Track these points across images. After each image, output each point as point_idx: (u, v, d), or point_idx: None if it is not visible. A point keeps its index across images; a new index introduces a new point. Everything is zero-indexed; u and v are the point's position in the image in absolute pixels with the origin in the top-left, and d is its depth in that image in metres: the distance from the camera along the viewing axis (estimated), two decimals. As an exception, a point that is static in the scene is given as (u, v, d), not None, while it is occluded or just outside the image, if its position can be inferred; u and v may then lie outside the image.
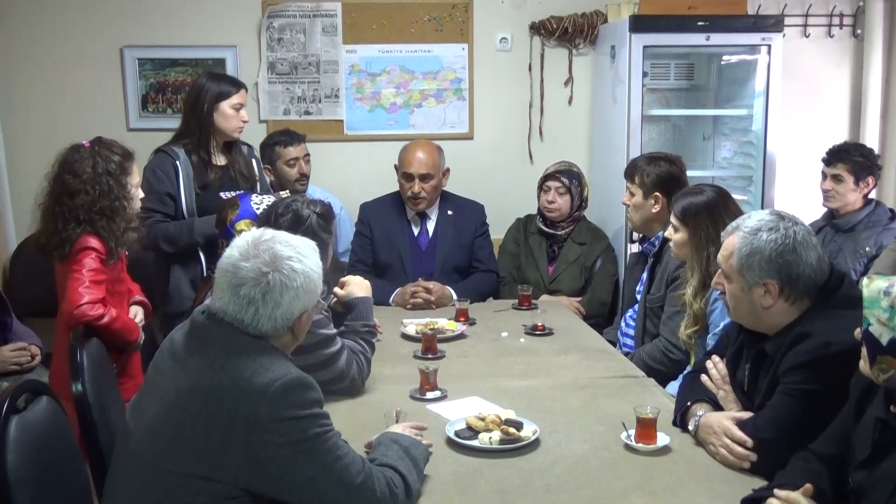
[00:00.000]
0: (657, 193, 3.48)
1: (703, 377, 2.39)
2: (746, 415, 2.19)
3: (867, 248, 3.81)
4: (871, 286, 1.71)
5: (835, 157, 3.93)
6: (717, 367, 2.38)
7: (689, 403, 2.35)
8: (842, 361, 1.95)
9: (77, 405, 2.24)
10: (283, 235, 1.93)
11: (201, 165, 3.49)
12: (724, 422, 2.17)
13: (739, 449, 2.11)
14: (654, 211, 3.50)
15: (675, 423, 2.35)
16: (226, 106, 3.50)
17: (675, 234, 2.98)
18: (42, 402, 1.94)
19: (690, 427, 2.28)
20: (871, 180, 3.92)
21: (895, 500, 1.69)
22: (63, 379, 2.43)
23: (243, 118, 3.57)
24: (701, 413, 2.27)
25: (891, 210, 4.01)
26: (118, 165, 2.85)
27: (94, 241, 2.78)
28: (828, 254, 3.68)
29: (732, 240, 2.23)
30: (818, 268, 2.17)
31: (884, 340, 1.67)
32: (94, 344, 2.50)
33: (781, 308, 2.18)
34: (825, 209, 4.07)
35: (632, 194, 3.57)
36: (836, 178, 3.90)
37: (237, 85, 3.58)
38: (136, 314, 3.05)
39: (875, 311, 1.68)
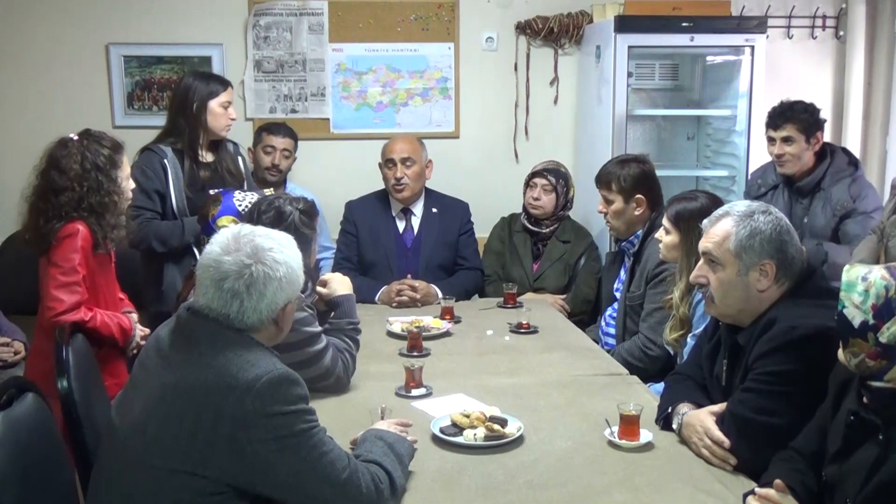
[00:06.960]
0: (638, 195, 3.49)
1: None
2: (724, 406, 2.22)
3: (844, 203, 3.64)
4: (851, 272, 1.76)
5: (781, 118, 3.72)
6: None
7: (669, 409, 2.35)
8: (807, 344, 2.02)
9: (62, 402, 2.22)
10: (262, 229, 1.95)
11: (189, 164, 3.48)
12: (706, 421, 2.19)
13: (720, 451, 2.13)
14: (636, 213, 3.50)
15: (657, 422, 2.37)
16: (215, 104, 3.49)
17: (665, 237, 3.00)
18: (27, 399, 1.93)
19: (674, 426, 2.29)
20: (819, 135, 3.73)
21: (865, 492, 1.72)
22: (40, 376, 2.38)
23: (231, 116, 3.57)
24: (684, 411, 2.28)
25: (845, 152, 3.86)
26: (107, 159, 2.78)
27: (80, 227, 2.72)
28: (798, 219, 3.69)
29: (724, 225, 2.24)
30: (801, 253, 2.23)
31: (856, 323, 1.72)
32: (80, 340, 2.49)
33: (773, 292, 2.21)
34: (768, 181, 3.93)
35: (610, 202, 3.55)
36: (787, 141, 3.71)
37: (224, 83, 3.58)
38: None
39: (851, 295, 1.73)
